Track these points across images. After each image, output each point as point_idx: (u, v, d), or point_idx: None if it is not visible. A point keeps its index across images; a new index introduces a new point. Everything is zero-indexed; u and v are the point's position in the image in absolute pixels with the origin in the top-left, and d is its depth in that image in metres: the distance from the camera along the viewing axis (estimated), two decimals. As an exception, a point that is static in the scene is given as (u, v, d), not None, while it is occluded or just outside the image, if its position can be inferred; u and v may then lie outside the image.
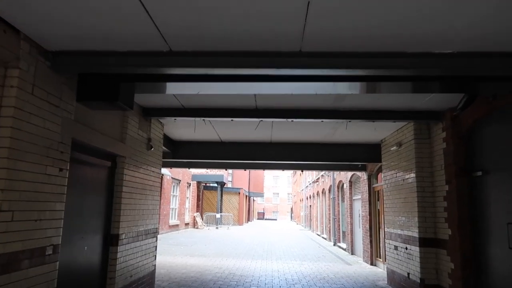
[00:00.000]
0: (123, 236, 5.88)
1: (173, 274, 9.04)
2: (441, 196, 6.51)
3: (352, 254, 14.35)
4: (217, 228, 29.54)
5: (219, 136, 9.16)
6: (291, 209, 68.12)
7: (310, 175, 31.60)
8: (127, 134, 6.04)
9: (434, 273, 6.56)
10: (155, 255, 7.50)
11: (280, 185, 76.06)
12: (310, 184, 31.46)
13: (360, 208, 13.40)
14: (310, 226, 31.77)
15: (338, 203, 17.86)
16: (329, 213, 20.28)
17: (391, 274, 8.28)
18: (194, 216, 29.43)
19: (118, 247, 5.71)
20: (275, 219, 69.07)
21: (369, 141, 9.41)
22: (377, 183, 11.73)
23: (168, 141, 9.37)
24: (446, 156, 6.36)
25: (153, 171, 7.25)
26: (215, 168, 12.35)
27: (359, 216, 13.57)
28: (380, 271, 10.60)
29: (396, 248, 7.91)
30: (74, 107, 4.34)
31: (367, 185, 12.12)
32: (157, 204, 7.55)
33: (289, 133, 8.62)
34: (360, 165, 11.85)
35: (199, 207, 31.84)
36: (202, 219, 30.79)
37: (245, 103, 6.21)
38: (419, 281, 6.66)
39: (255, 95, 5.67)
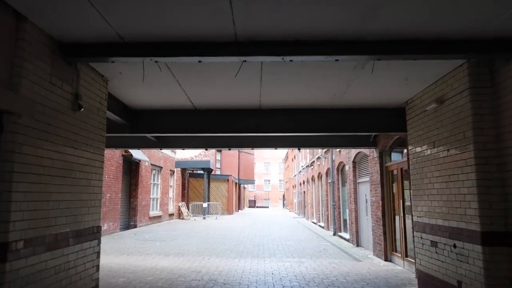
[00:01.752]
0: (20, 245, 3.57)
1: (133, 285, 6.77)
2: (518, 170, 4.33)
3: (357, 246, 12.25)
4: (204, 218, 27.27)
5: (190, 100, 6.81)
6: (283, 196, 66.13)
7: (303, 159, 29.44)
8: (24, 78, 3.68)
9: (508, 285, 4.41)
10: (98, 265, 5.22)
11: (271, 172, 73.79)
12: (303, 168, 29.29)
13: (367, 192, 11.26)
14: (305, 214, 29.72)
15: (338, 188, 15.72)
16: (327, 199, 18.17)
17: (424, 279, 6.14)
18: (179, 206, 27.13)
19: (8, 263, 3.40)
20: (267, 207, 67.05)
21: (388, 104, 7.15)
22: (391, 161, 9.57)
23: (122, 108, 6.99)
24: (529, 108, 4.16)
25: (87, 145, 4.92)
26: (191, 148, 10.04)
27: (367, 202, 11.44)
28: (399, 269, 8.50)
29: (434, 244, 5.76)
30: None
31: (378, 164, 9.94)
32: (98, 193, 5.24)
33: (285, 92, 6.31)
34: (372, 139, 9.64)
35: (185, 196, 29.52)
36: (188, 209, 28.49)
37: (218, 26, 3.89)
38: (481, 295, 4.51)
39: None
